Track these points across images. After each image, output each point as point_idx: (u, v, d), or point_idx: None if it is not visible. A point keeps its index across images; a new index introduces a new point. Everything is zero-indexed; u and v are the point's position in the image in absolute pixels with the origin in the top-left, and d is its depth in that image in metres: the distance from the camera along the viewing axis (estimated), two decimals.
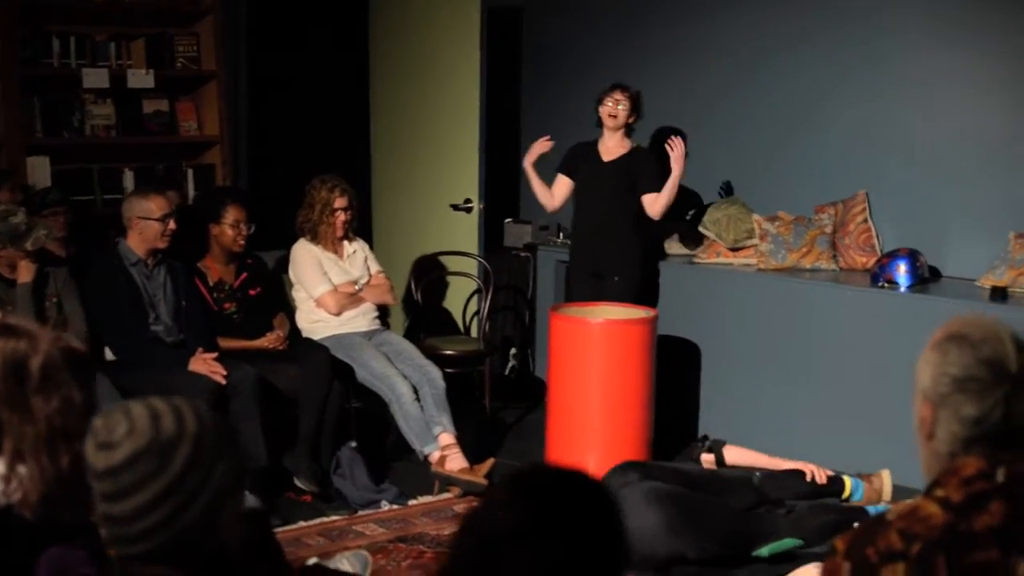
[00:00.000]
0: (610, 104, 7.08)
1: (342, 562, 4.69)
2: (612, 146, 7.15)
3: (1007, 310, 6.26)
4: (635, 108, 7.09)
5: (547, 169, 7.31)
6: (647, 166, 7.13)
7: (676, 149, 6.91)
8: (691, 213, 7.73)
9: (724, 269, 7.46)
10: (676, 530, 5.21)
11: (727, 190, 7.84)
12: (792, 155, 7.65)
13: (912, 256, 6.80)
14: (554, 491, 2.12)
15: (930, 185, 7.10)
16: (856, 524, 4.19)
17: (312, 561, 4.76)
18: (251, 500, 5.77)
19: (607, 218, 7.13)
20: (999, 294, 6.44)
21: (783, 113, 7.71)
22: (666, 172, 7.01)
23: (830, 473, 5.98)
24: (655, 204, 7.03)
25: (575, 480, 2.15)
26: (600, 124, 7.16)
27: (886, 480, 5.92)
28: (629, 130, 7.16)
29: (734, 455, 5.54)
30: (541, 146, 7.18)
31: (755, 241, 7.40)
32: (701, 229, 7.59)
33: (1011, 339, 2.43)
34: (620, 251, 7.13)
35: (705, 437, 5.76)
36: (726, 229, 7.47)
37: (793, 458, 6.17)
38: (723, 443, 5.59)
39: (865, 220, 7.25)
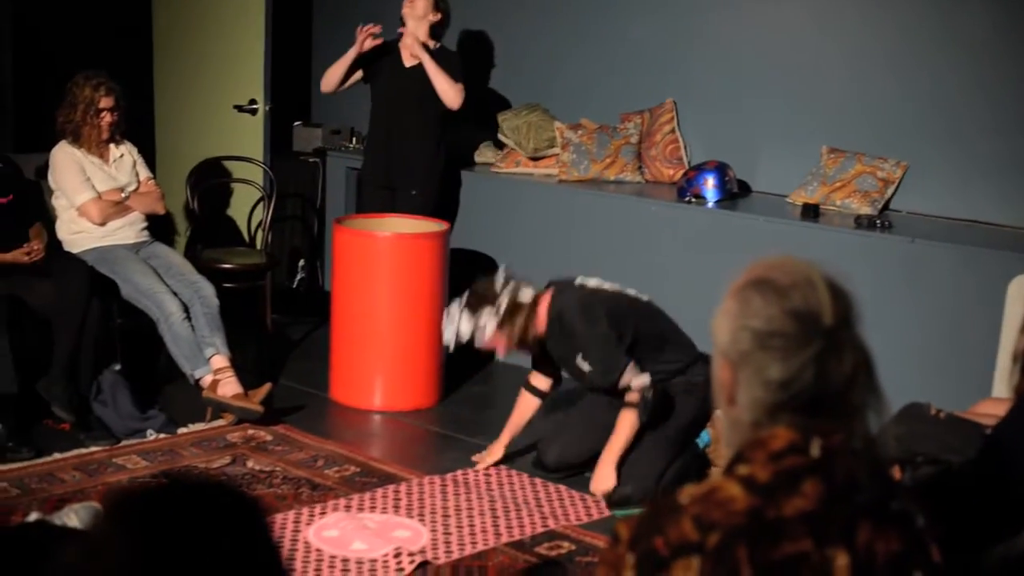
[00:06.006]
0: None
1: (69, 516, 4.18)
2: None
3: (818, 229, 6.05)
4: (438, 5, 6.61)
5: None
6: (448, 64, 6.73)
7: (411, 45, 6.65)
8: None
9: (523, 180, 7.10)
10: None
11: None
12: (597, 58, 7.31)
13: (721, 170, 6.51)
14: (169, 517, 1.64)
15: (740, 95, 6.86)
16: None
17: (33, 517, 4.24)
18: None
19: (406, 127, 6.76)
20: (811, 212, 6.18)
21: (586, 13, 7.33)
22: (472, 69, 6.71)
23: None
24: (441, 93, 6.66)
25: (196, 496, 1.68)
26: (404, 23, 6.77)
27: None
28: (434, 31, 6.69)
29: None
30: (368, 39, 6.71)
31: (556, 150, 7.05)
32: (499, 136, 7.21)
33: (826, 285, 1.99)
34: (419, 163, 6.79)
35: None
36: (526, 137, 7.11)
37: None
38: None
39: (673, 130, 6.95)
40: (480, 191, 7.10)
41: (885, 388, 2.03)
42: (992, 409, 3.86)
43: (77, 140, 6.20)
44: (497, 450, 5.56)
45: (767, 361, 1.97)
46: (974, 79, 6.18)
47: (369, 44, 6.70)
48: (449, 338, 5.29)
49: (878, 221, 6.00)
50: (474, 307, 5.21)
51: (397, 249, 6.21)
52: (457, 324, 5.23)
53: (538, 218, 6.92)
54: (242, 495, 1.72)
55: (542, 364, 5.52)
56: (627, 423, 5.15)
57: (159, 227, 6.78)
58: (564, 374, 5.50)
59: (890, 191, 6.33)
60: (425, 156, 6.77)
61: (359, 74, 6.86)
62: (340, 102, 7.89)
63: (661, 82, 7.07)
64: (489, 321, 5.18)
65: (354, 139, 8.05)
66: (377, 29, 6.70)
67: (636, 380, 5.12)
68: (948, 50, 6.24)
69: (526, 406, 5.61)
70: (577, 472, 5.44)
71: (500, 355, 5.30)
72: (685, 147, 6.96)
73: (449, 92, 6.62)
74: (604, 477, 5.17)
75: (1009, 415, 3.00)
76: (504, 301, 5.19)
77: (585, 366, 5.20)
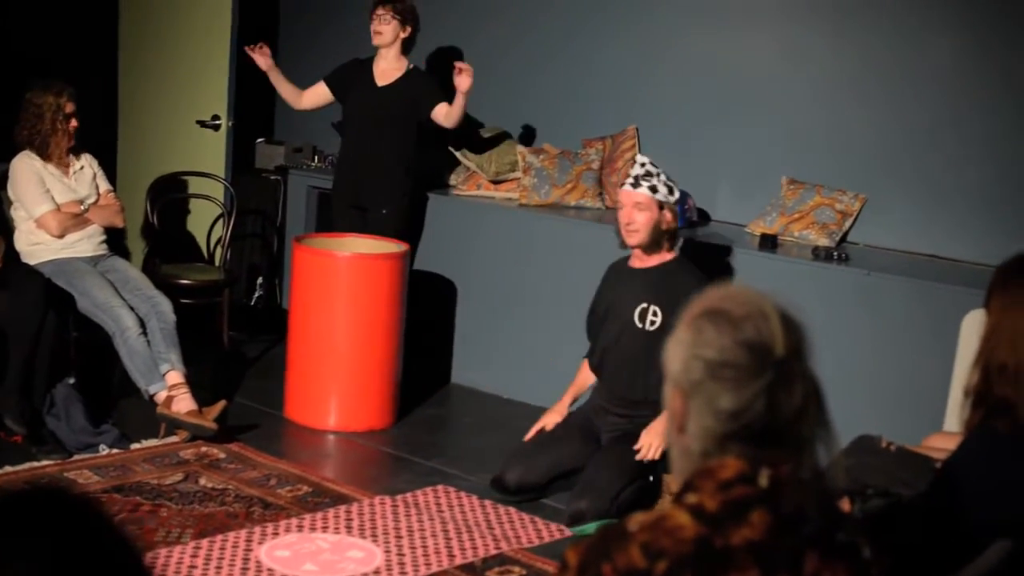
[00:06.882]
0: (374, 23, 6.75)
1: None
2: (386, 68, 6.80)
3: (776, 260, 6.08)
4: (406, 21, 6.67)
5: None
6: (426, 85, 6.80)
7: (465, 70, 6.50)
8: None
9: (484, 203, 7.10)
10: None
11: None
12: (560, 83, 7.32)
13: (680, 198, 6.48)
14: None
15: (702, 124, 6.88)
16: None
17: None
18: None
19: (377, 148, 6.78)
20: (769, 242, 6.20)
21: (551, 38, 7.34)
22: (449, 87, 6.64)
23: None
24: (449, 115, 6.68)
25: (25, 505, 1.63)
26: None
27: None
28: (406, 46, 6.74)
29: None
30: (260, 56, 6.87)
31: (518, 174, 7.04)
32: (461, 159, 7.20)
33: (778, 317, 2.00)
34: (389, 183, 6.78)
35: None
36: (488, 160, 7.10)
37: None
38: None
39: (634, 157, 6.94)
40: (440, 213, 7.10)
41: (837, 420, 2.05)
42: (942, 443, 3.89)
43: (45, 151, 6.15)
44: (561, 408, 5.64)
45: (718, 391, 1.99)
46: (936, 114, 6.22)
47: (264, 61, 6.84)
48: (645, 160, 5.42)
49: (835, 253, 6.04)
50: (670, 183, 5.36)
51: (356, 269, 6.20)
52: (655, 165, 5.40)
53: (498, 241, 6.92)
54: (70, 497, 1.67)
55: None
56: None
57: (118, 241, 6.75)
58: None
59: (848, 223, 6.37)
60: (395, 175, 6.77)
61: (326, 90, 6.91)
62: (303, 120, 7.89)
63: (624, 109, 7.09)
64: (665, 193, 5.32)
65: (316, 157, 8.05)
66: (259, 47, 6.86)
67: None
68: (911, 84, 6.29)
69: (587, 372, 5.69)
70: (536, 496, 5.43)
71: (636, 234, 5.28)
72: None
73: (451, 118, 6.66)
74: (656, 432, 5.20)
75: (959, 449, 3.02)
76: (678, 199, 5.43)
77: (654, 315, 5.33)
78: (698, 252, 6.25)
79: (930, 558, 2.87)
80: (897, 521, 3.10)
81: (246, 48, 6.91)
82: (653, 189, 5.28)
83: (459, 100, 6.57)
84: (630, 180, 5.35)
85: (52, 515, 1.58)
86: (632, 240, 5.35)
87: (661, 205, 5.29)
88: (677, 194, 5.36)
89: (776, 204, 6.49)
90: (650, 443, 5.19)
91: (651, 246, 5.36)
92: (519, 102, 7.45)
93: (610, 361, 5.47)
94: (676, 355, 2.05)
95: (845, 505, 3.24)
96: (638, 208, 5.29)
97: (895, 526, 3.08)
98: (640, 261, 5.43)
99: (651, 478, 5.23)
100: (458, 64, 6.50)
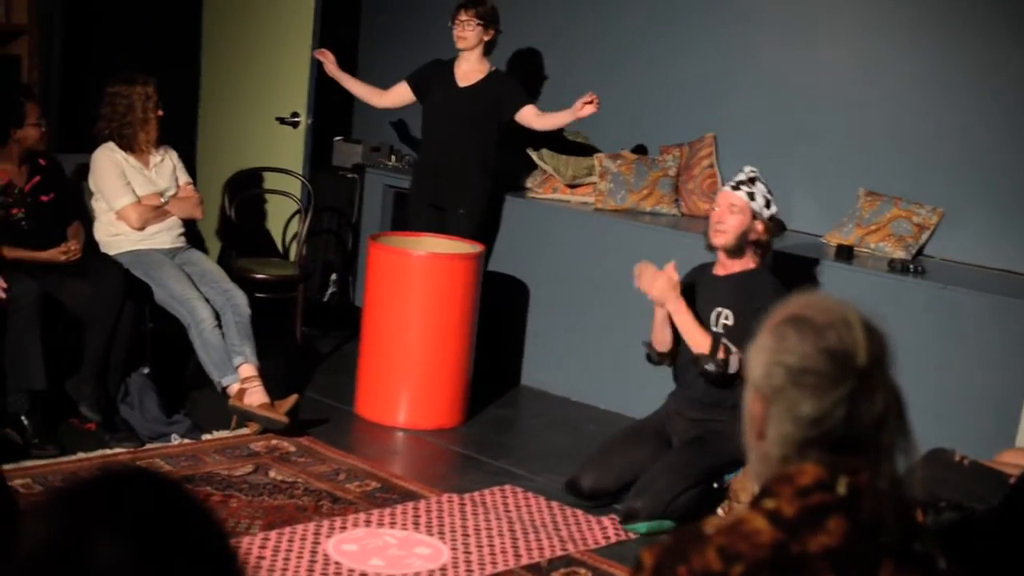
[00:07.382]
0: (457, 28, 6.76)
1: None
2: (468, 70, 6.82)
3: (851, 271, 6.04)
4: (489, 24, 6.71)
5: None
6: (509, 87, 6.85)
7: (594, 103, 6.49)
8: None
9: (560, 206, 7.10)
10: None
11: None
12: (639, 90, 7.30)
13: None
14: (91, 503, 1.57)
15: (780, 133, 6.85)
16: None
17: None
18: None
19: (457, 148, 6.79)
20: (845, 253, 6.17)
21: (630, 44, 7.33)
22: (530, 88, 6.79)
23: None
24: (543, 120, 6.76)
25: (124, 485, 1.64)
26: None
27: None
28: (488, 48, 6.80)
29: None
30: (327, 62, 7.06)
31: (594, 179, 7.04)
32: (538, 162, 7.20)
33: (861, 325, 2.01)
34: (469, 184, 6.81)
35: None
36: (565, 164, 7.11)
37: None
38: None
39: (711, 165, 6.96)
40: (516, 215, 7.12)
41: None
42: (1016, 459, 3.86)
43: (134, 142, 6.21)
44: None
45: (799, 398, 1.99)
46: (1008, 127, 6.16)
47: (329, 68, 7.02)
48: (753, 169, 5.42)
49: (911, 266, 6.00)
50: (768, 197, 5.34)
51: (430, 268, 6.23)
52: (760, 176, 5.38)
53: (573, 245, 6.93)
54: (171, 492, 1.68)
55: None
56: (702, 328, 5.31)
57: (195, 234, 6.81)
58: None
59: (925, 236, 6.32)
60: (475, 176, 6.80)
61: (407, 90, 6.96)
62: (381, 120, 7.94)
63: (701, 117, 7.07)
64: (762, 204, 5.32)
65: (393, 157, 8.09)
66: (320, 52, 7.04)
67: (738, 354, 5.17)
68: (984, 97, 6.22)
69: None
70: (609, 501, 5.43)
71: (722, 235, 5.28)
72: (722, 182, 6.95)
73: (541, 122, 6.76)
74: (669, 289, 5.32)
75: None
76: (773, 214, 5.38)
77: (725, 319, 5.33)
78: (774, 261, 6.23)
79: (1004, 572, 2.85)
80: (971, 535, 3.08)
81: (315, 53, 7.00)
82: (751, 196, 5.29)
83: (567, 117, 6.62)
84: (731, 183, 5.38)
85: (138, 493, 1.61)
86: (717, 240, 5.35)
87: (755, 215, 5.28)
88: (773, 210, 5.34)
89: (852, 215, 6.46)
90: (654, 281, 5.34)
91: (735, 251, 5.35)
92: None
93: (689, 368, 5.45)
94: (758, 361, 2.06)
95: (919, 517, 3.22)
96: (731, 210, 5.30)
97: (968, 540, 3.07)
98: (723, 268, 5.42)
99: (715, 485, 5.22)
100: (593, 96, 6.48)
